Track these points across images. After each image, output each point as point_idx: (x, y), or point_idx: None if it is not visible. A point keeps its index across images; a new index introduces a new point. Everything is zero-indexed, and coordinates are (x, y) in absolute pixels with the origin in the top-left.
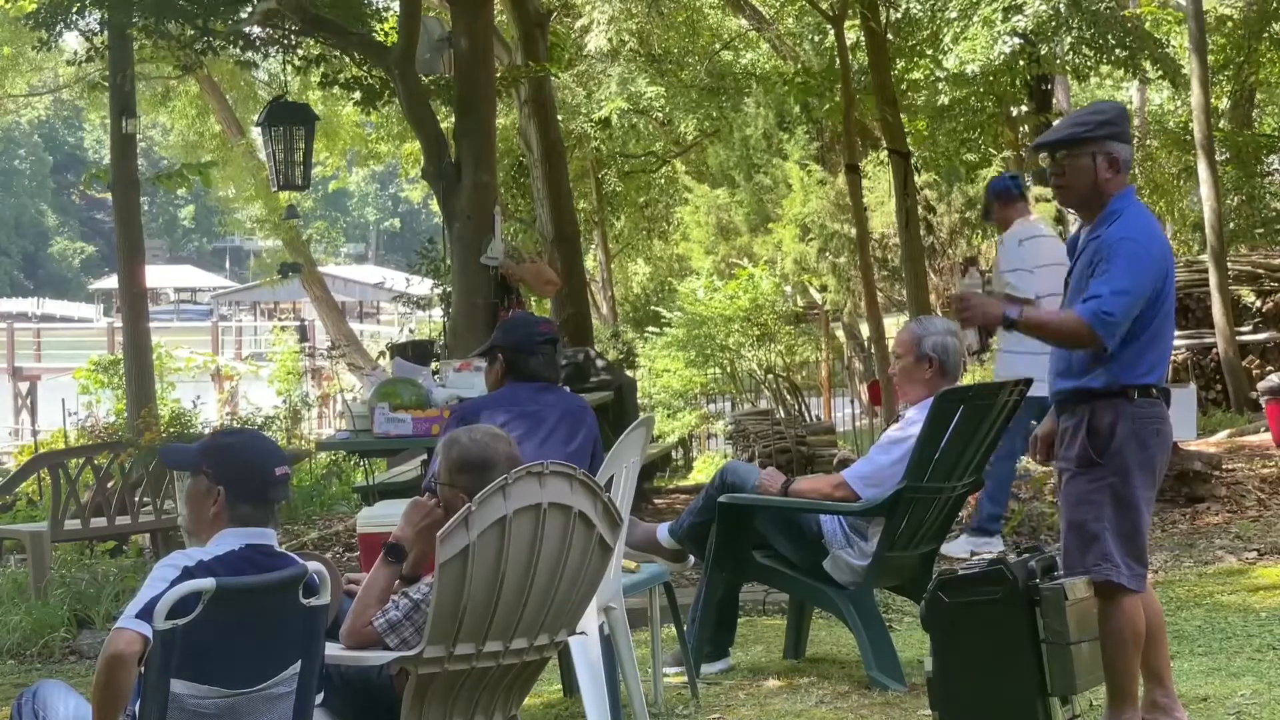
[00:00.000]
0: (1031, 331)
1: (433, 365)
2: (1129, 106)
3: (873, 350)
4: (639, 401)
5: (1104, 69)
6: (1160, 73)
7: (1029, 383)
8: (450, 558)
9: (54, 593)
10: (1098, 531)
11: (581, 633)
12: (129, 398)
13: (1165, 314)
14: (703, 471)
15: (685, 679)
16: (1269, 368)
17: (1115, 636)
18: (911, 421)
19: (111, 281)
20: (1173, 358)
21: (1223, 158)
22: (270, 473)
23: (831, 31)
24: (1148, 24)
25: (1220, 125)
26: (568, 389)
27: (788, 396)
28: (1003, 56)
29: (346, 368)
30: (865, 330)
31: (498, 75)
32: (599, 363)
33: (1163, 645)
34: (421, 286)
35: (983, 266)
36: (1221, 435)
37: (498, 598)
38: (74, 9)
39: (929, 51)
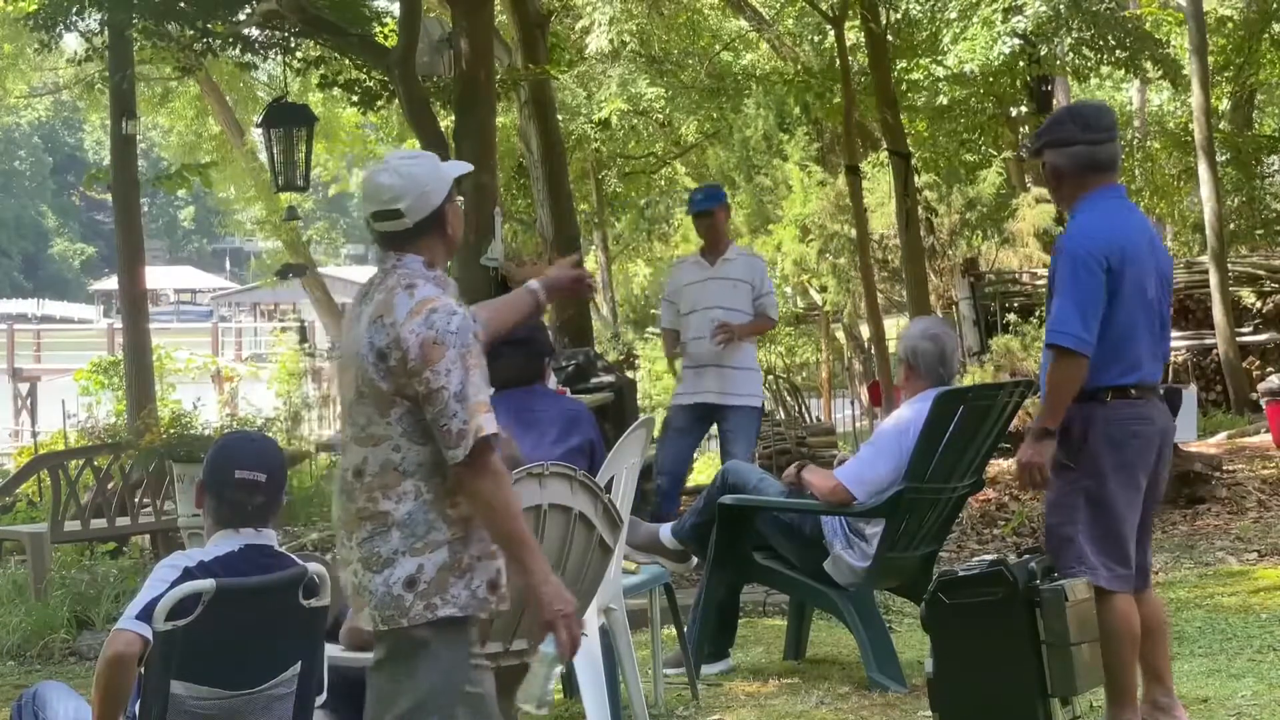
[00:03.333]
0: (1051, 404)
1: None
2: (1129, 107)
3: (873, 351)
4: (639, 402)
5: (1104, 70)
6: (1161, 73)
7: (1030, 383)
8: None
9: (54, 594)
10: (1071, 535)
11: (582, 633)
12: (129, 399)
13: (1131, 311)
14: (703, 472)
15: (686, 679)
16: (1269, 369)
17: (1109, 635)
18: (899, 416)
19: (112, 282)
20: (1173, 359)
21: (1223, 159)
22: (229, 474)
23: (831, 32)
24: (1148, 25)
25: (1220, 126)
26: (568, 391)
27: (788, 398)
28: (1002, 57)
29: None
30: (865, 331)
31: (498, 76)
32: (599, 363)
33: (1163, 645)
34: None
35: (982, 268)
36: (1221, 436)
37: None
38: (74, 9)
39: (929, 53)
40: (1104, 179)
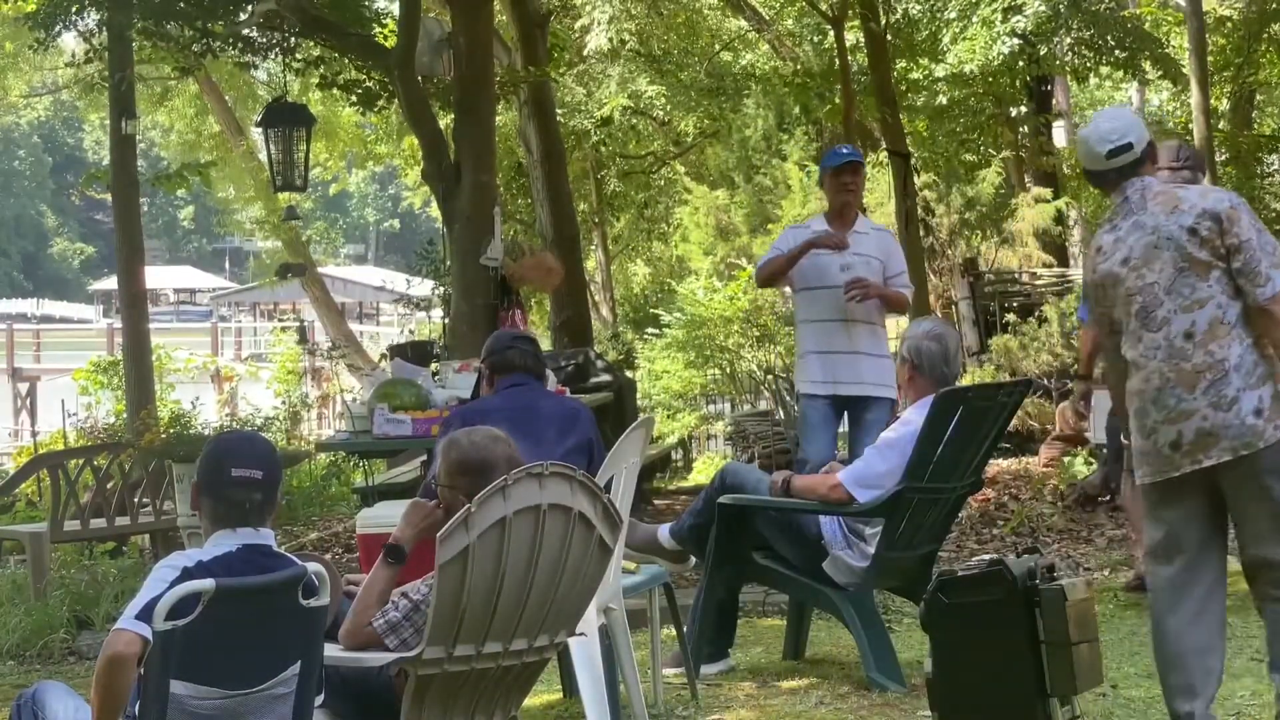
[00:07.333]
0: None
1: (432, 366)
2: (1128, 107)
3: None
4: (639, 402)
5: (1103, 70)
6: (1160, 73)
7: (1029, 383)
8: (450, 559)
9: (53, 594)
10: None
11: (581, 634)
12: (128, 399)
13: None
14: (703, 473)
15: (685, 680)
16: None
17: None
18: (905, 422)
19: (111, 282)
20: None
21: (1222, 159)
22: (226, 472)
23: (831, 32)
24: (1147, 24)
25: (1220, 126)
26: (567, 390)
27: (787, 398)
28: (1002, 57)
29: (346, 369)
30: None
31: (497, 77)
32: (599, 363)
33: None
34: (421, 288)
35: (981, 268)
36: None
37: (497, 599)
38: (73, 9)
39: (928, 53)
40: None
